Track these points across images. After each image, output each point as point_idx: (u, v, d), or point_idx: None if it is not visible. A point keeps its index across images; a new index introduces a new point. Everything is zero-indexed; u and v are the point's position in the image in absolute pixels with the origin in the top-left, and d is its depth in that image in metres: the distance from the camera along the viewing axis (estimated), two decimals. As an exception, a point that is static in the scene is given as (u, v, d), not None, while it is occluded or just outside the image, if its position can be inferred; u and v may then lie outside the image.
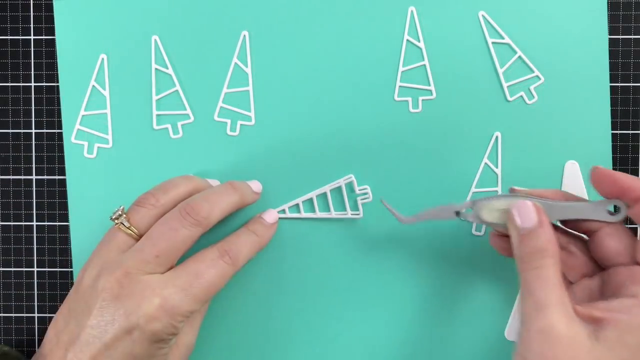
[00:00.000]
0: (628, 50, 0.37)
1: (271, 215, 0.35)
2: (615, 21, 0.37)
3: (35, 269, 0.38)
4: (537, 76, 0.36)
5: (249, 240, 0.33)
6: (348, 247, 0.36)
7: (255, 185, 0.35)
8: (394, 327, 0.37)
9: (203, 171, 0.36)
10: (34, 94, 0.38)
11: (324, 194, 0.36)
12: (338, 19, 0.36)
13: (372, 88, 0.36)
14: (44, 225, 0.38)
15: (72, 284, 0.37)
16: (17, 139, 0.38)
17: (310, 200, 0.36)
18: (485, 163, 0.36)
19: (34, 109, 0.38)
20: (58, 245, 0.38)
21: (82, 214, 0.37)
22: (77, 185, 0.37)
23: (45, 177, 0.38)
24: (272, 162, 0.36)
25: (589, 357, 0.24)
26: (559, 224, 0.32)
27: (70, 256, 0.37)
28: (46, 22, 0.38)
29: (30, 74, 0.38)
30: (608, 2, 0.37)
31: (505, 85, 0.36)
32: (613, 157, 0.37)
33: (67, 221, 0.37)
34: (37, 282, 0.38)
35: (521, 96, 0.36)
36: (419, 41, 0.36)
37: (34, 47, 0.38)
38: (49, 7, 0.37)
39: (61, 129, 0.37)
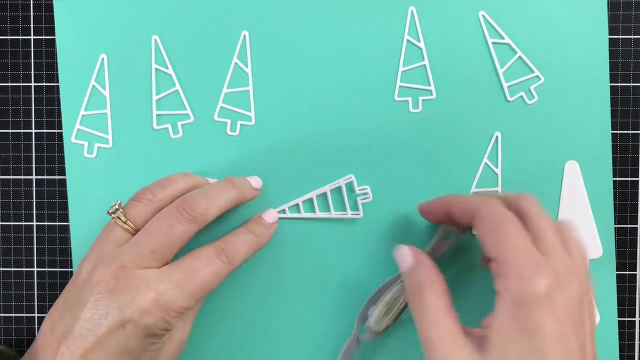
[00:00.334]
0: (628, 50, 0.37)
1: (271, 215, 0.35)
2: (615, 21, 0.37)
3: (35, 269, 0.38)
4: (537, 76, 0.36)
5: (246, 239, 0.33)
6: (348, 247, 0.36)
7: (255, 181, 0.35)
8: (394, 326, 0.37)
9: (203, 171, 0.36)
10: (34, 94, 0.38)
11: (324, 194, 0.36)
12: (338, 19, 0.36)
13: (372, 88, 0.36)
14: (44, 225, 0.38)
15: (72, 284, 0.38)
16: (17, 139, 0.38)
17: (310, 200, 0.36)
18: (485, 163, 0.36)
19: (34, 109, 0.38)
20: (58, 245, 0.38)
21: (82, 214, 0.37)
22: (77, 185, 0.37)
23: (45, 177, 0.38)
24: (272, 162, 0.36)
25: None
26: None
27: (70, 256, 0.37)
28: (46, 22, 0.38)
29: (30, 74, 0.38)
30: (608, 2, 0.37)
31: (505, 85, 0.36)
32: (613, 157, 0.37)
33: (67, 221, 0.37)
34: (37, 282, 0.38)
35: (521, 96, 0.36)
36: (419, 41, 0.36)
37: (34, 47, 0.38)
38: (49, 7, 0.37)
39: (61, 129, 0.37)
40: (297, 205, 0.36)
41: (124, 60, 0.37)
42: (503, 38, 0.36)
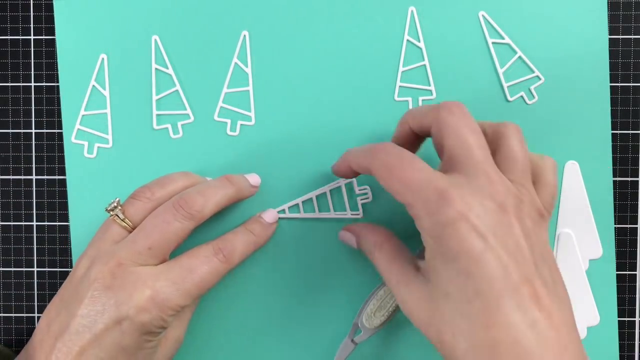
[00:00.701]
0: (628, 50, 0.37)
1: (271, 215, 0.35)
2: (615, 21, 0.37)
3: (35, 269, 0.38)
4: (537, 76, 0.36)
5: (245, 239, 0.33)
6: (348, 247, 0.36)
7: (253, 179, 0.35)
8: (390, 327, 0.37)
9: (203, 171, 0.36)
10: (34, 94, 0.38)
11: (324, 194, 0.36)
12: (338, 19, 0.36)
13: (372, 88, 0.36)
14: (44, 225, 0.38)
15: (72, 284, 0.38)
16: (17, 139, 0.38)
17: (310, 200, 0.36)
18: (485, 163, 0.36)
19: (34, 109, 0.38)
20: (58, 245, 0.38)
21: (82, 214, 0.37)
22: (77, 185, 0.37)
23: (45, 177, 0.38)
24: (272, 162, 0.36)
25: (424, 300, 0.27)
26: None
27: (70, 256, 0.37)
28: (46, 22, 0.38)
29: (30, 74, 0.38)
30: (608, 2, 0.37)
31: (505, 85, 0.36)
32: (613, 157, 0.37)
33: (67, 221, 0.37)
34: (37, 282, 0.38)
35: (521, 96, 0.36)
36: (419, 41, 0.36)
37: (34, 47, 0.38)
38: (49, 7, 0.37)
39: (61, 129, 0.37)
40: (297, 205, 0.36)
41: (124, 60, 0.37)
42: (503, 38, 0.36)
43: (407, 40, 0.36)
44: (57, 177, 0.38)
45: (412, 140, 0.32)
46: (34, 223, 0.38)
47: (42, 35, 0.38)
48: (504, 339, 0.24)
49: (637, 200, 0.37)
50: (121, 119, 0.37)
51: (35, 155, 0.38)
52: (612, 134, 0.37)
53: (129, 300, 0.28)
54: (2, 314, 0.38)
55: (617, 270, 0.37)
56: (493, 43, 0.36)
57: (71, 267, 0.38)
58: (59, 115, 0.37)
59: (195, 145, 0.37)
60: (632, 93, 0.37)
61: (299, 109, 0.37)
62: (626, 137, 0.37)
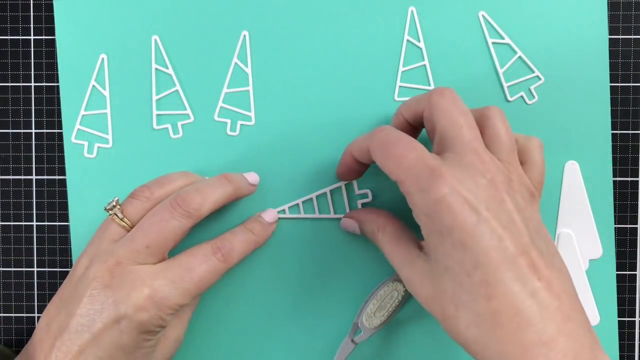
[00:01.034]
0: (628, 50, 0.37)
1: (270, 215, 0.35)
2: (615, 21, 0.37)
3: (35, 269, 0.38)
4: (537, 76, 0.36)
5: (244, 238, 0.33)
6: (348, 247, 0.36)
7: (252, 177, 0.35)
8: (394, 326, 0.37)
9: (203, 171, 0.36)
10: (34, 94, 0.38)
11: (324, 195, 0.36)
12: (338, 19, 0.36)
13: (372, 88, 0.36)
14: (44, 225, 0.38)
15: (72, 284, 0.38)
16: (17, 139, 0.38)
17: (311, 200, 0.36)
18: (485, 163, 0.36)
19: (34, 109, 0.38)
20: (58, 245, 0.38)
21: (82, 214, 0.37)
22: (77, 185, 0.37)
23: (45, 177, 0.38)
24: (272, 162, 0.36)
25: (427, 276, 0.28)
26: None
27: (70, 256, 0.37)
28: (46, 22, 0.38)
29: (30, 74, 0.38)
30: (608, 2, 0.37)
31: (505, 85, 0.36)
32: (613, 157, 0.37)
33: (67, 221, 0.37)
34: (37, 282, 0.38)
35: (521, 96, 0.36)
36: (419, 41, 0.36)
37: (34, 47, 0.38)
38: (49, 7, 0.37)
39: (61, 129, 0.37)
40: (297, 205, 0.36)
41: (124, 60, 0.37)
42: (503, 38, 0.36)
43: (407, 40, 0.36)
44: (57, 177, 0.38)
45: (407, 132, 0.32)
46: (34, 223, 0.38)
47: (42, 35, 0.38)
48: (506, 309, 0.24)
49: (637, 200, 0.37)
50: (121, 119, 0.37)
51: (35, 155, 0.38)
52: (612, 134, 0.37)
53: (127, 299, 0.28)
54: (2, 314, 0.38)
55: (617, 270, 0.37)
56: (493, 43, 0.36)
57: (71, 267, 0.38)
58: (59, 115, 0.37)
59: (195, 145, 0.37)
60: (632, 93, 0.37)
61: (299, 109, 0.37)
62: (626, 137, 0.37)
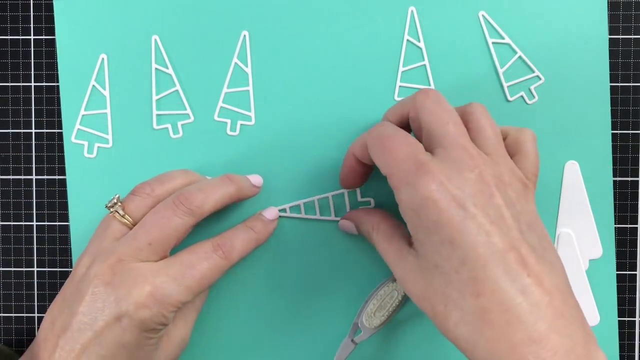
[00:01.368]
0: (628, 50, 0.37)
1: (271, 212, 0.35)
2: (615, 21, 0.37)
3: (35, 269, 0.38)
4: (537, 76, 0.36)
5: (245, 236, 0.33)
6: (348, 247, 0.36)
7: (255, 179, 0.35)
8: (394, 326, 0.37)
9: (203, 171, 0.36)
10: (34, 94, 0.38)
11: (326, 198, 0.36)
12: (338, 19, 0.36)
13: (372, 88, 0.36)
14: (44, 225, 0.38)
15: (72, 284, 0.37)
16: (17, 139, 0.38)
17: (312, 203, 0.36)
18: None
19: (34, 109, 0.38)
20: (58, 245, 0.38)
21: (82, 214, 0.37)
22: (77, 185, 0.37)
23: (45, 177, 0.38)
24: (272, 162, 0.36)
25: (417, 273, 0.27)
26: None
27: (70, 256, 0.37)
28: (46, 22, 0.37)
29: (30, 74, 0.38)
30: (608, 2, 0.37)
31: (505, 85, 0.36)
32: (613, 157, 0.37)
33: (67, 221, 0.37)
34: (37, 282, 0.38)
35: (521, 96, 0.36)
36: (419, 41, 0.36)
37: (34, 47, 0.38)
38: (49, 7, 0.37)
39: (61, 129, 0.37)
40: (298, 206, 0.36)
41: (124, 60, 0.37)
42: (503, 38, 0.36)
43: (407, 40, 0.36)
44: (57, 177, 0.38)
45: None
46: (34, 223, 0.38)
47: (42, 35, 0.38)
48: (495, 306, 0.24)
49: (637, 200, 0.37)
50: (121, 119, 0.37)
51: (35, 155, 0.38)
52: (612, 134, 0.37)
53: (128, 296, 0.28)
54: (2, 314, 0.38)
55: (617, 270, 0.37)
56: (493, 43, 0.36)
57: (71, 267, 0.38)
58: (59, 115, 0.37)
59: (195, 145, 0.37)
60: (632, 93, 0.37)
61: (299, 109, 0.37)
62: (626, 137, 0.37)
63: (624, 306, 0.37)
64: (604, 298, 0.37)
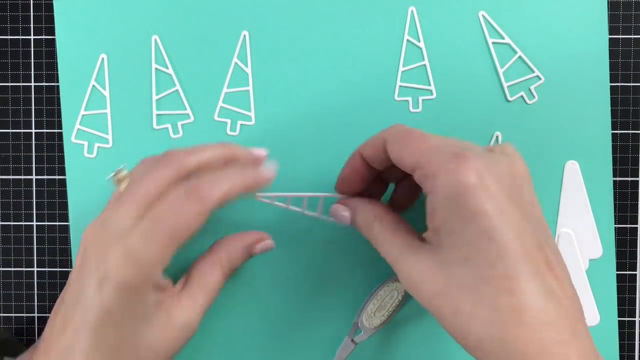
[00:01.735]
0: (628, 50, 0.37)
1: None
2: (615, 21, 0.37)
3: (35, 269, 0.38)
4: (537, 76, 0.36)
5: (228, 175, 0.29)
6: (347, 248, 0.36)
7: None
8: (394, 326, 0.37)
9: (203, 171, 0.36)
10: (34, 94, 0.38)
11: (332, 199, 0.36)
12: (338, 19, 0.36)
13: (372, 88, 0.36)
14: (44, 225, 0.38)
15: (72, 284, 0.37)
16: (17, 139, 0.38)
17: (316, 199, 0.36)
18: (485, 163, 0.36)
19: (34, 109, 0.38)
20: (58, 245, 0.38)
21: (82, 214, 0.37)
22: (77, 185, 0.37)
23: (45, 177, 0.38)
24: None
25: (437, 267, 0.26)
26: None
27: (70, 256, 0.37)
28: (46, 22, 0.38)
29: (30, 74, 0.38)
30: (608, 2, 0.37)
31: (505, 85, 0.36)
32: (613, 157, 0.37)
33: (67, 221, 0.37)
34: (37, 282, 0.38)
35: (521, 96, 0.36)
36: (419, 41, 0.36)
37: (34, 47, 0.38)
38: (49, 7, 0.37)
39: (61, 129, 0.37)
40: (300, 199, 0.36)
41: (124, 60, 0.37)
42: (503, 38, 0.36)
43: (407, 40, 0.36)
44: (57, 177, 0.38)
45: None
46: (34, 223, 0.38)
47: (42, 35, 0.38)
48: (528, 305, 0.23)
49: (637, 200, 0.37)
50: (121, 119, 0.37)
51: (35, 155, 0.38)
52: (612, 134, 0.37)
53: (105, 259, 0.27)
54: (2, 314, 0.38)
55: (617, 270, 0.37)
56: (493, 43, 0.36)
57: (71, 267, 0.38)
58: (59, 115, 0.37)
59: (195, 145, 0.37)
60: (632, 93, 0.37)
61: (299, 109, 0.37)
62: (626, 137, 0.37)
63: (624, 306, 0.37)
64: (604, 298, 0.37)
